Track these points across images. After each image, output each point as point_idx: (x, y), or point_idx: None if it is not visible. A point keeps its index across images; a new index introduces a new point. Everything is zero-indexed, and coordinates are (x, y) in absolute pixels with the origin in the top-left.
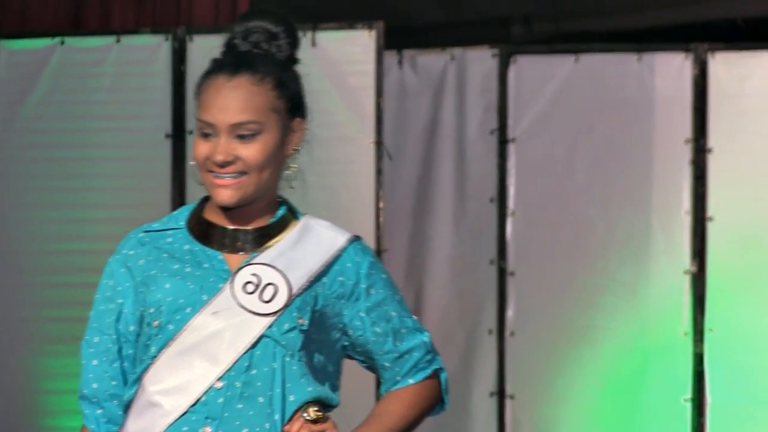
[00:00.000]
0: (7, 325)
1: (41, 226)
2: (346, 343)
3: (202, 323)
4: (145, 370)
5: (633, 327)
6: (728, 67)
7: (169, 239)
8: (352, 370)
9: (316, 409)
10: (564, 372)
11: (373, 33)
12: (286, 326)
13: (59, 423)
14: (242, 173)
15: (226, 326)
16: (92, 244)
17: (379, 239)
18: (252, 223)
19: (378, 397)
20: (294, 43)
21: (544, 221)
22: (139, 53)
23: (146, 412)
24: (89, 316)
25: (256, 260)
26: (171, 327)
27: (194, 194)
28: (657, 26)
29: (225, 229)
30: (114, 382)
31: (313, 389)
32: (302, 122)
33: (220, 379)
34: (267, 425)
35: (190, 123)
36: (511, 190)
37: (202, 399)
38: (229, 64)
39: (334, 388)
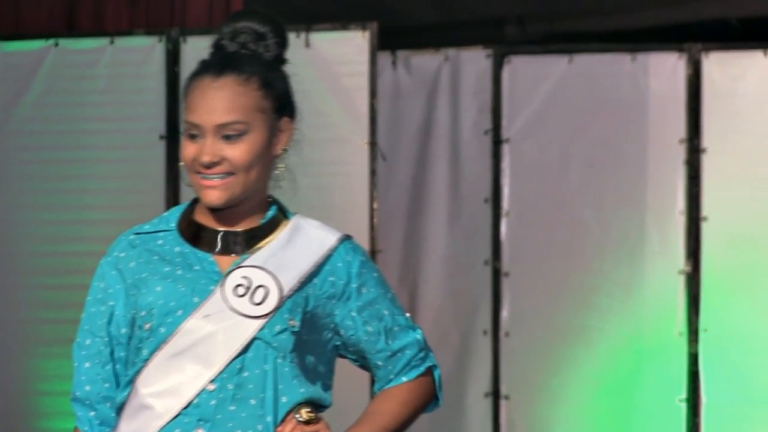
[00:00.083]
0: (2, 326)
1: (36, 227)
2: (338, 343)
3: (194, 326)
4: (138, 372)
5: (628, 327)
6: (722, 67)
7: (160, 241)
8: (345, 369)
9: (308, 410)
10: (559, 372)
11: (367, 34)
12: (278, 328)
13: (54, 425)
14: (229, 174)
15: (217, 329)
16: (87, 245)
17: (373, 240)
18: (242, 224)
19: (372, 395)
20: (282, 43)
21: (539, 222)
22: (133, 55)
23: (139, 414)
24: (81, 318)
25: (246, 262)
26: (163, 330)
27: (188, 195)
28: (651, 26)
29: (215, 230)
30: (106, 385)
31: (305, 390)
32: (290, 122)
33: (212, 381)
34: (259, 427)
35: None
36: (506, 191)
37: (195, 401)
38: (215, 64)
39: (327, 387)
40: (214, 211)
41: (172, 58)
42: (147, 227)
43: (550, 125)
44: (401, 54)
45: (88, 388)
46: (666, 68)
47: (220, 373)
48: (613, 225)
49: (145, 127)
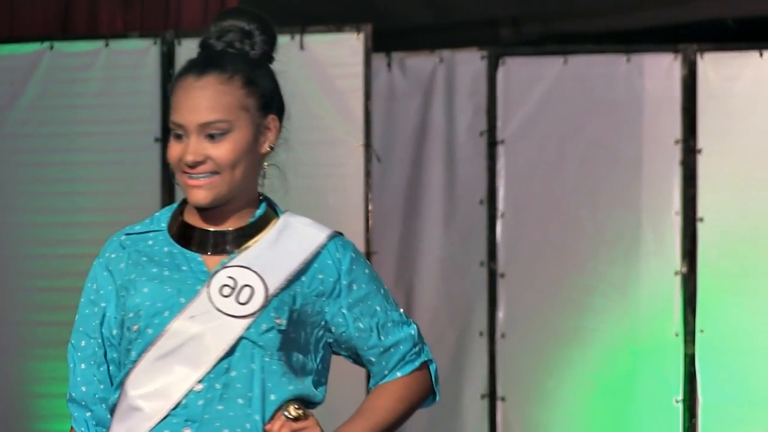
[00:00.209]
0: None
1: (30, 230)
2: (330, 340)
3: (180, 327)
4: (127, 374)
5: (623, 328)
6: (717, 68)
7: (150, 242)
8: (341, 366)
9: (296, 406)
10: (555, 373)
11: (362, 36)
12: (264, 327)
13: (50, 427)
14: (214, 173)
15: (204, 330)
16: (81, 248)
17: (368, 241)
18: (230, 223)
19: (368, 392)
20: (269, 41)
21: (534, 223)
22: (127, 57)
23: (128, 416)
24: (75, 319)
25: (232, 262)
26: (150, 331)
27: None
28: (646, 27)
29: (203, 230)
30: (102, 386)
31: (294, 387)
32: (277, 119)
33: (199, 381)
34: (248, 425)
35: None
36: (501, 192)
37: (183, 402)
38: (198, 64)
39: (319, 384)
40: (202, 210)
41: (167, 61)
42: (138, 228)
43: (545, 126)
44: (396, 56)
45: (83, 389)
46: (661, 69)
47: (208, 373)
48: (609, 226)
49: (140, 129)
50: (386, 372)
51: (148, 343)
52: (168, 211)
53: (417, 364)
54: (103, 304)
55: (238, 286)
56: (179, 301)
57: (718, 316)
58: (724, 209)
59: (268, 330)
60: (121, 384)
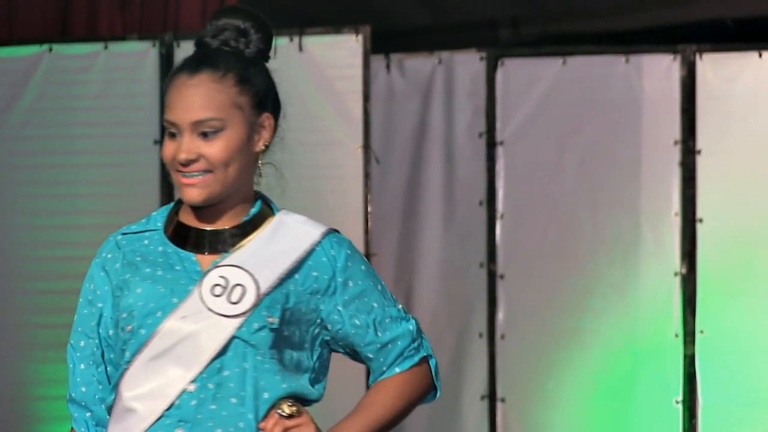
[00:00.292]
0: None
1: (29, 232)
2: (327, 338)
3: (172, 328)
4: (121, 375)
5: (623, 329)
6: (716, 68)
7: (146, 241)
8: (341, 363)
9: (290, 404)
10: (555, 375)
11: (360, 37)
12: (256, 326)
13: (50, 429)
14: (207, 171)
15: (195, 330)
16: (80, 250)
17: (367, 243)
18: (224, 222)
19: (368, 388)
20: (265, 39)
21: (534, 224)
22: (126, 59)
23: (123, 417)
24: (74, 319)
25: (225, 261)
26: (143, 332)
27: None
28: (644, 27)
29: (197, 229)
30: (101, 386)
31: (287, 385)
32: (271, 118)
33: (192, 381)
34: (241, 424)
35: None
36: (500, 193)
37: (176, 402)
38: (191, 62)
39: (316, 382)
40: (197, 209)
41: (166, 63)
42: (134, 227)
43: (544, 127)
44: (395, 57)
45: (83, 389)
46: (660, 70)
47: (200, 373)
48: (608, 227)
49: (139, 131)
50: (385, 368)
51: (141, 343)
52: (165, 211)
53: (416, 359)
54: (99, 305)
55: (230, 286)
56: (172, 301)
57: (718, 316)
58: (723, 210)
59: (260, 329)
60: (117, 385)
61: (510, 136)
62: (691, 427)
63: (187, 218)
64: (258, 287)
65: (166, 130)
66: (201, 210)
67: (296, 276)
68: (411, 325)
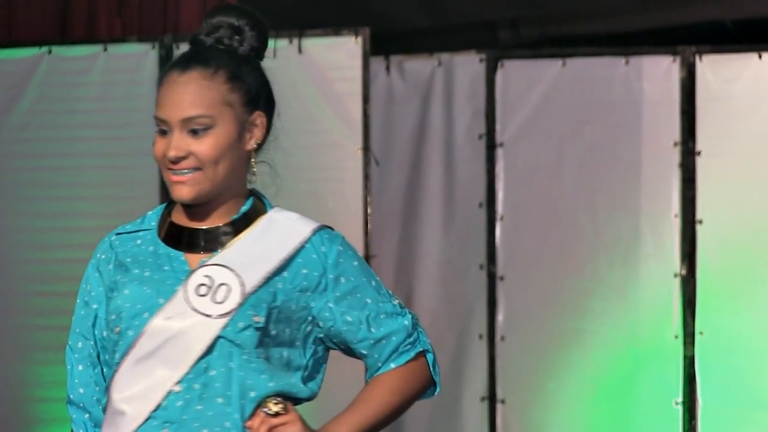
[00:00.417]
0: None
1: (29, 235)
2: (320, 335)
3: (158, 328)
4: (111, 377)
5: (623, 330)
6: (716, 70)
7: (138, 241)
8: (342, 360)
9: (276, 402)
10: (555, 376)
11: (360, 39)
12: (241, 325)
13: (50, 431)
14: (197, 169)
15: (181, 330)
16: (81, 252)
17: (367, 245)
18: (215, 220)
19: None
20: (259, 37)
21: (533, 225)
22: (126, 61)
23: (114, 420)
24: (72, 320)
25: (212, 260)
26: (131, 333)
27: None
28: (644, 29)
29: (186, 228)
30: (98, 387)
31: (275, 384)
32: (263, 116)
33: (178, 382)
34: (227, 424)
35: None
36: (500, 195)
37: (163, 404)
38: (183, 59)
39: (309, 379)
40: (188, 207)
41: (166, 65)
42: (129, 227)
43: (544, 129)
44: (394, 59)
45: (81, 390)
46: (660, 71)
47: (186, 373)
48: (608, 228)
49: (138, 133)
50: (380, 364)
51: (129, 345)
52: (159, 210)
53: (412, 354)
54: (94, 306)
55: (215, 285)
56: (158, 301)
57: (718, 318)
58: (723, 211)
59: (245, 328)
60: (107, 387)
61: (510, 138)
62: (690, 428)
63: (179, 217)
64: (243, 286)
65: (157, 128)
66: (192, 208)
67: (285, 274)
68: (406, 320)
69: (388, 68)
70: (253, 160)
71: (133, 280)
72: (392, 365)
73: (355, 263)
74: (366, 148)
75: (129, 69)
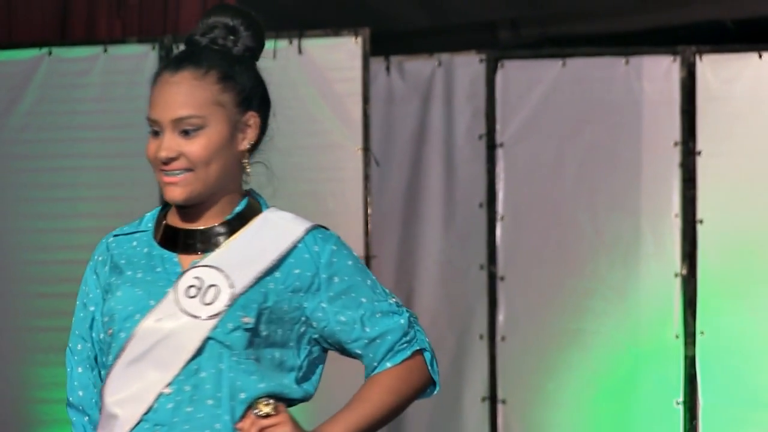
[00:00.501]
0: None
1: (30, 236)
2: (315, 336)
3: (148, 330)
4: (104, 381)
5: (624, 330)
6: (716, 70)
7: (134, 243)
8: (339, 361)
9: (266, 403)
10: (555, 376)
11: (359, 39)
12: (230, 326)
13: None
14: (188, 170)
15: (171, 332)
16: (81, 253)
17: (367, 245)
18: (208, 221)
19: None
20: (255, 37)
21: (534, 225)
22: (126, 62)
23: (107, 423)
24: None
25: (203, 261)
26: (123, 335)
27: None
28: (644, 29)
29: (179, 229)
30: (96, 390)
31: (265, 385)
32: (257, 116)
33: (169, 384)
34: (218, 426)
35: None
36: (500, 195)
37: (154, 406)
38: (175, 59)
39: (304, 380)
40: (182, 208)
41: None
42: (126, 229)
43: (544, 129)
44: (395, 59)
45: (80, 393)
46: (660, 71)
47: (177, 375)
48: (609, 228)
49: (139, 134)
50: (376, 363)
51: (120, 347)
52: (157, 212)
53: (408, 353)
54: (91, 308)
55: (204, 287)
56: (149, 303)
57: (719, 317)
58: (723, 211)
59: (234, 329)
60: (101, 390)
61: (510, 138)
62: (691, 428)
63: (173, 218)
64: (233, 287)
65: (150, 129)
66: (185, 209)
67: (276, 274)
68: (402, 319)
69: (388, 68)
70: (245, 160)
71: (126, 282)
72: (388, 364)
73: (350, 262)
74: (366, 149)
75: (129, 70)
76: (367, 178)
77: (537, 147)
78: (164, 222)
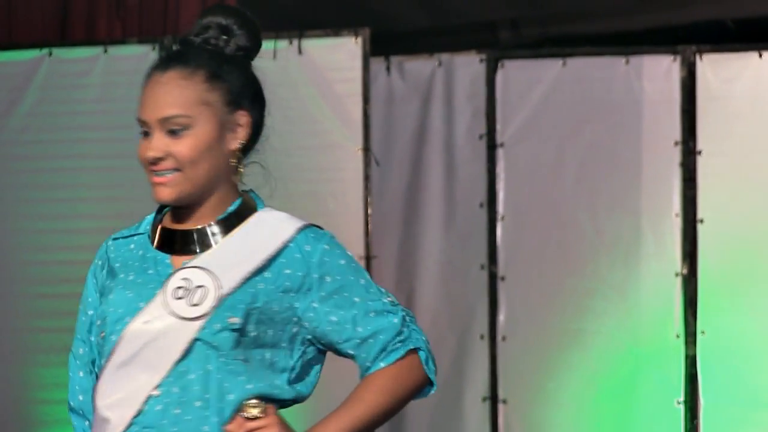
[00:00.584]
0: None
1: (30, 236)
2: (308, 336)
3: (136, 332)
4: (96, 384)
5: (624, 330)
6: (716, 69)
7: (132, 246)
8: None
9: (253, 405)
10: (556, 376)
11: (360, 40)
12: (217, 327)
13: None
14: (176, 170)
15: (159, 333)
16: (82, 254)
17: (368, 246)
18: (201, 221)
19: None
20: (249, 36)
21: (534, 225)
22: (126, 63)
23: (100, 427)
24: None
25: (192, 262)
26: (113, 338)
27: None
28: (644, 29)
29: (174, 230)
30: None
31: (254, 386)
32: (248, 115)
33: (157, 387)
34: (205, 428)
35: None
36: (501, 195)
37: (144, 409)
38: (163, 60)
39: (297, 381)
40: (175, 209)
41: None
42: (125, 232)
43: (544, 129)
44: (395, 59)
45: (81, 397)
46: (660, 71)
47: (166, 377)
48: (609, 228)
49: (139, 135)
50: (369, 363)
51: (111, 350)
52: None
53: (402, 352)
54: (90, 312)
55: (192, 287)
56: (138, 305)
57: (719, 317)
58: (724, 210)
59: (221, 330)
60: (93, 394)
61: (510, 138)
62: (692, 427)
63: (167, 219)
64: (220, 288)
65: (141, 129)
66: (178, 210)
67: (266, 274)
68: (396, 318)
69: (388, 69)
70: (233, 160)
71: (119, 284)
72: (382, 364)
73: (342, 261)
74: (366, 149)
75: (129, 71)
76: (367, 178)
77: (537, 147)
78: (160, 224)
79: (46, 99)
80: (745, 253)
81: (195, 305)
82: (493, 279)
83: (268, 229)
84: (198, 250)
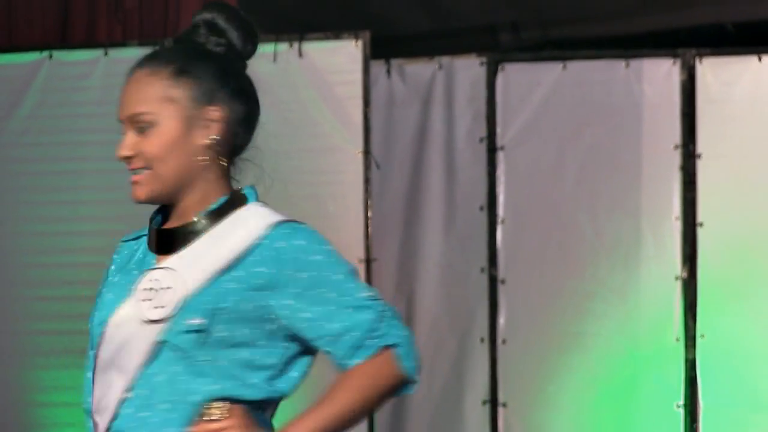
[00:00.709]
0: None
1: (31, 239)
2: (286, 333)
3: (109, 335)
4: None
5: (624, 333)
6: (716, 72)
7: (136, 247)
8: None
9: (217, 407)
10: (556, 379)
11: (360, 43)
12: (183, 328)
13: None
14: (146, 168)
15: (127, 336)
16: (82, 257)
17: (368, 248)
18: (180, 220)
19: None
20: (239, 33)
21: (534, 228)
22: (126, 66)
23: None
24: None
25: (162, 263)
26: (97, 340)
27: None
28: (644, 32)
29: (160, 230)
30: None
31: (220, 386)
32: (221, 110)
33: (129, 390)
34: (170, 430)
35: None
36: (501, 198)
37: (119, 413)
38: (140, 59)
39: (276, 379)
40: (162, 209)
41: None
42: (134, 234)
43: (544, 132)
44: (395, 62)
45: (90, 399)
46: (660, 74)
47: (135, 380)
48: (609, 231)
49: None
50: (342, 360)
51: (96, 354)
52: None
53: (374, 349)
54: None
55: (160, 289)
56: (116, 307)
57: (719, 320)
58: (724, 214)
59: (186, 331)
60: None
61: (510, 141)
62: (692, 431)
63: (159, 219)
64: (185, 289)
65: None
66: (165, 209)
67: (236, 273)
68: (371, 314)
69: (388, 72)
70: (203, 156)
71: (106, 286)
72: (355, 361)
73: (318, 257)
74: (367, 152)
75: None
76: (367, 181)
77: (537, 150)
78: (151, 223)
79: (47, 101)
80: (745, 257)
81: (160, 307)
82: (493, 282)
83: (243, 227)
84: (177, 250)
